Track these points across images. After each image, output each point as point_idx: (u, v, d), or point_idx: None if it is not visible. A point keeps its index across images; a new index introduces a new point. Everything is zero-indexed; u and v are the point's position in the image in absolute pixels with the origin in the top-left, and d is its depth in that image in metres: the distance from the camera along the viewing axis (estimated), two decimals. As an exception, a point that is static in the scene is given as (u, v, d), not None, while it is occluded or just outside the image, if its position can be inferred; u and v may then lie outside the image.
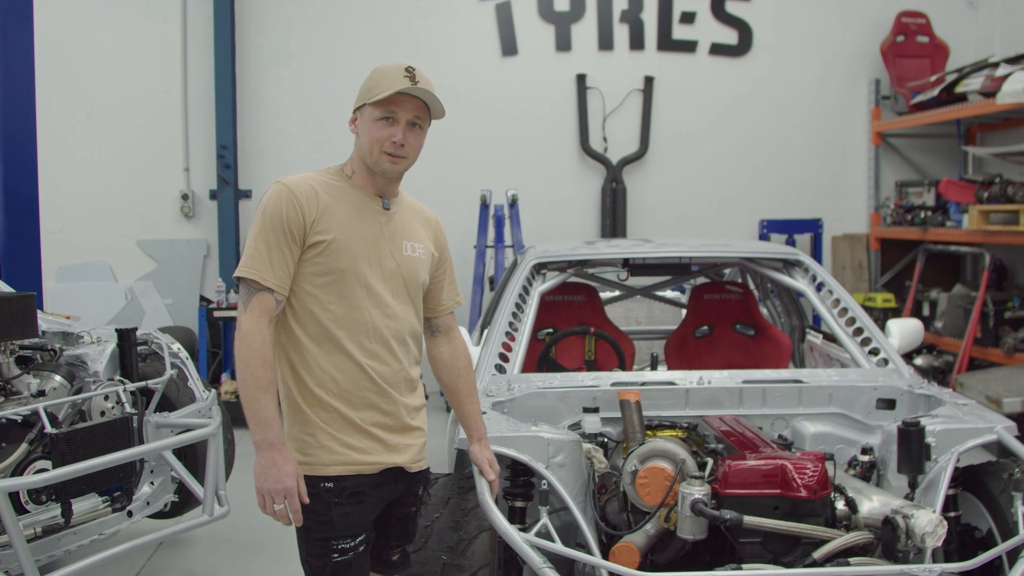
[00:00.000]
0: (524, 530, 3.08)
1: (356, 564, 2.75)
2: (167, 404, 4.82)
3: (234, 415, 5.88)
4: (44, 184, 6.78)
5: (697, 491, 3.10)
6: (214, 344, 9.23)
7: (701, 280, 6.19)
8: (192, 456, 4.81)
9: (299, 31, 9.57)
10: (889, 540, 3.07)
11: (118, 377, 4.69)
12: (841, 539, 3.07)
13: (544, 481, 3.23)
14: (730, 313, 5.62)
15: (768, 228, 9.80)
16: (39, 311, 5.14)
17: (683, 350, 5.60)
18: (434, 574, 3.15)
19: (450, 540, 3.25)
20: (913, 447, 3.40)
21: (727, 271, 6.26)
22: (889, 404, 4.08)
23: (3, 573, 3.76)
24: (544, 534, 3.06)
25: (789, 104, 9.92)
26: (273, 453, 2.57)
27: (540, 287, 4.77)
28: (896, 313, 9.12)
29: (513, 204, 9.04)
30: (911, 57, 9.58)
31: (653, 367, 5.54)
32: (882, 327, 4.93)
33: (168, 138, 9.55)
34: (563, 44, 9.77)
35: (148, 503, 4.62)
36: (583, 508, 3.40)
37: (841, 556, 3.06)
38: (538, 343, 5.19)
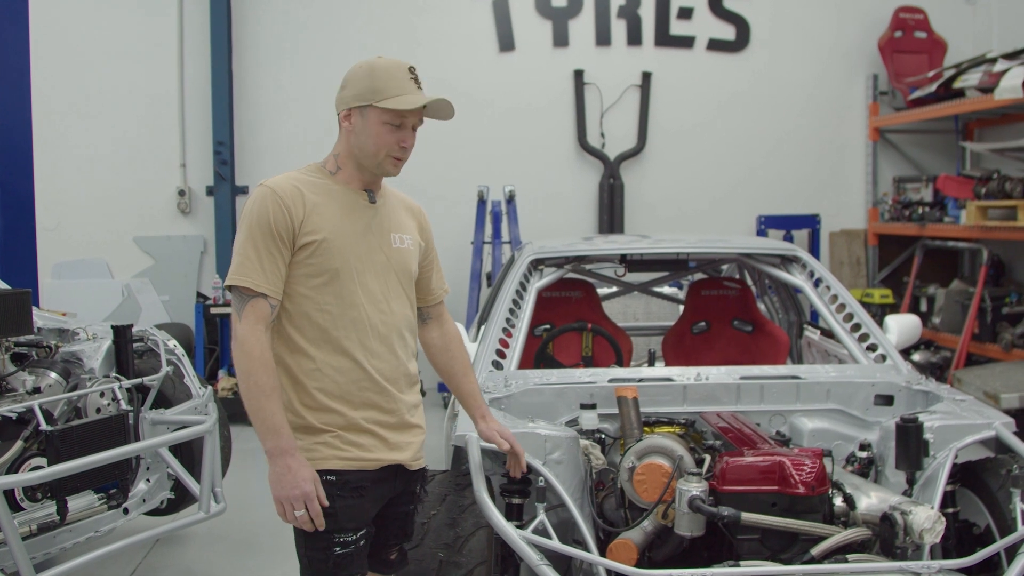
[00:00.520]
0: (521, 527, 3.07)
1: (357, 558, 2.73)
2: (163, 401, 4.82)
3: (231, 412, 5.89)
4: (40, 181, 6.77)
5: (695, 488, 3.09)
6: (211, 341, 9.21)
7: (699, 276, 6.18)
8: (188, 453, 4.80)
9: (296, 26, 9.56)
10: (887, 536, 3.06)
11: (114, 374, 4.68)
12: (839, 536, 3.06)
13: (541, 478, 3.22)
14: (728, 309, 5.60)
15: (766, 224, 9.79)
16: (34, 308, 5.13)
17: (681, 346, 5.59)
18: (431, 571, 3.14)
19: (447, 537, 3.24)
20: (911, 443, 3.39)
21: (725, 267, 6.25)
22: (887, 400, 4.07)
23: None
24: (541, 531, 3.05)
25: (787, 100, 9.91)
26: (287, 459, 2.54)
27: (537, 283, 4.75)
28: (894, 309, 9.12)
29: (510, 200, 9.03)
30: (909, 53, 9.57)
31: (651, 363, 5.53)
32: (880, 323, 4.92)
33: (164, 134, 9.53)
34: (560, 40, 9.75)
35: (144, 500, 4.62)
36: (580, 505, 3.39)
37: (839, 553, 3.05)
38: (535, 339, 5.18)
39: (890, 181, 9.81)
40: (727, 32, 9.86)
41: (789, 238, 9.67)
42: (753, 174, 9.93)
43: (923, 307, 9.10)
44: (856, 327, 4.53)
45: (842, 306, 4.63)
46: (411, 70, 2.71)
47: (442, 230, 9.19)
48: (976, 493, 3.55)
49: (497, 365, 4.25)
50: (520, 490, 3.41)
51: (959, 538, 3.56)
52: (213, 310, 8.73)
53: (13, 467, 3.96)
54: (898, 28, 9.63)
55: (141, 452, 4.43)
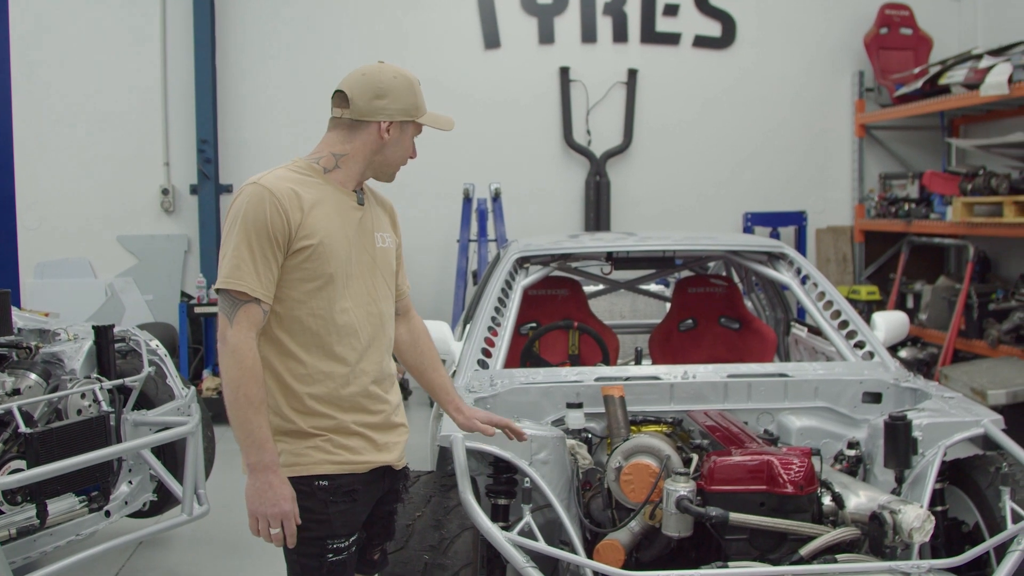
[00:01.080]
0: (507, 528, 3.04)
1: (349, 565, 2.70)
2: (146, 402, 4.76)
3: (215, 412, 5.82)
4: (22, 180, 6.70)
5: (682, 488, 3.06)
6: (195, 340, 9.15)
7: (685, 273, 6.16)
8: (171, 454, 4.75)
9: (281, 23, 9.50)
10: (876, 536, 3.04)
11: (95, 375, 4.62)
12: (828, 535, 3.04)
13: (527, 479, 3.19)
14: (714, 306, 5.58)
15: (752, 221, 9.78)
16: (15, 308, 5.07)
17: (667, 344, 5.56)
18: (416, 573, 3.10)
19: (432, 539, 3.20)
20: (900, 441, 3.37)
21: (711, 264, 6.23)
22: (875, 398, 4.05)
23: (-23, 575, 3.70)
24: (527, 533, 3.02)
25: (773, 96, 9.91)
26: (269, 475, 2.49)
27: (523, 281, 4.72)
28: (880, 305, 9.13)
29: (496, 198, 9.00)
30: (895, 49, 9.58)
31: (637, 361, 5.50)
32: (867, 320, 4.90)
33: (148, 132, 9.46)
34: (546, 37, 9.72)
35: (126, 502, 4.56)
36: (567, 505, 3.36)
37: (828, 553, 3.03)
38: (521, 338, 5.15)
39: (876, 178, 9.82)
40: (713, 29, 9.85)
41: (776, 235, 9.67)
42: (739, 171, 9.93)
43: (909, 304, 9.10)
44: (844, 324, 4.51)
45: (829, 303, 4.61)
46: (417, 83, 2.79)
47: (427, 228, 9.30)
48: (965, 491, 3.54)
49: (483, 364, 4.21)
50: (506, 491, 3.39)
51: (948, 536, 3.54)
52: (197, 309, 8.66)
53: (-8, 470, 3.91)
54: (884, 24, 9.63)
55: (123, 454, 4.38)
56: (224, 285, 2.51)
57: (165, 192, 9.48)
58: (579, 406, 3.88)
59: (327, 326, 2.62)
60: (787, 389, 4.06)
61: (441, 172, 9.29)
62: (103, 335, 4.72)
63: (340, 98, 2.70)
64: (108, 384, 4.49)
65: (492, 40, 9.68)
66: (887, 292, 9.37)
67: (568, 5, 9.70)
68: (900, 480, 3.43)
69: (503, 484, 3.39)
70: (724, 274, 6.05)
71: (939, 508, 3.49)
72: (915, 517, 2.96)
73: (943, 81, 8.20)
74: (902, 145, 10.02)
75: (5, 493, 3.90)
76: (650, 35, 9.80)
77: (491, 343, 4.33)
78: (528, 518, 3.06)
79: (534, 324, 5.32)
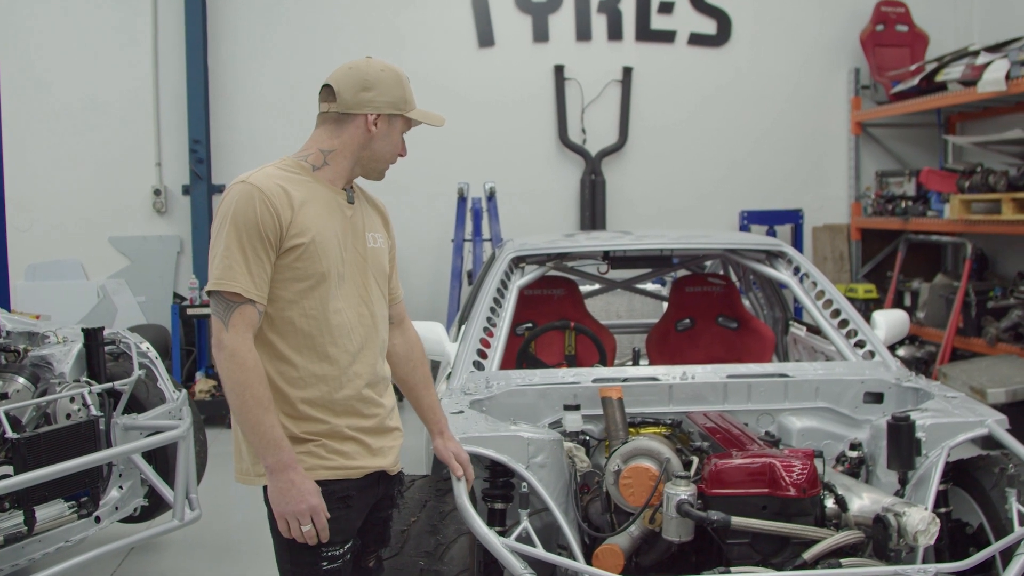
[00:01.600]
0: (504, 533, 2.98)
1: (344, 573, 2.64)
2: (136, 405, 4.69)
3: (208, 415, 5.78)
4: (12, 181, 6.64)
5: (683, 491, 3.00)
6: (188, 342, 9.08)
7: (682, 272, 6.10)
8: (163, 458, 4.67)
9: (274, 22, 9.44)
10: (881, 539, 2.98)
11: (85, 378, 4.56)
12: (831, 539, 2.99)
13: (524, 483, 3.13)
14: (712, 306, 5.52)
15: (748, 219, 9.73)
16: (4, 311, 5.01)
17: (665, 344, 5.50)
18: (411, 580, 3.05)
19: (428, 545, 3.15)
20: (903, 442, 3.31)
21: (708, 263, 6.18)
22: (877, 398, 4.00)
23: (-37, 584, 3.64)
24: (525, 538, 2.96)
25: (769, 94, 9.86)
26: (290, 474, 2.44)
27: (519, 281, 4.66)
28: (878, 303, 9.08)
29: (491, 197, 8.95)
30: (891, 46, 9.54)
31: (635, 362, 5.44)
32: (866, 318, 4.85)
33: (139, 132, 9.39)
34: (540, 35, 9.67)
35: (117, 508, 4.50)
36: (565, 509, 3.29)
37: (832, 557, 2.97)
38: (517, 338, 5.09)
39: (873, 175, 9.77)
40: (708, 26, 9.79)
41: (772, 233, 9.61)
42: (735, 169, 9.88)
43: (907, 302, 9.06)
44: (844, 323, 4.45)
45: (829, 302, 4.55)
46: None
47: (422, 228, 9.24)
48: (969, 492, 3.48)
49: (478, 366, 4.15)
50: (503, 495, 3.32)
51: (951, 538, 3.48)
52: (190, 311, 8.59)
53: (-22, 476, 3.84)
54: (880, 22, 9.58)
55: (112, 459, 4.31)
56: (217, 287, 2.44)
57: (157, 193, 9.41)
58: (576, 408, 3.80)
59: (320, 327, 2.56)
60: (787, 390, 4.00)
61: (435, 171, 9.24)
62: (93, 338, 4.65)
63: (327, 92, 2.65)
64: (98, 388, 4.43)
65: (486, 38, 9.62)
66: (884, 290, 9.32)
67: (562, 3, 9.65)
68: (903, 482, 3.36)
69: (500, 488, 3.33)
70: (721, 273, 6.00)
71: (942, 509, 3.43)
72: (920, 520, 2.90)
73: (940, 78, 8.16)
74: (898, 143, 9.98)
75: (-8, 500, 3.84)
76: (645, 33, 9.74)
77: (487, 344, 4.27)
78: (526, 523, 3.00)
79: (530, 324, 5.26)
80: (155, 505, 4.79)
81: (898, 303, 9.07)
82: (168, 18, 9.28)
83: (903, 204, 8.93)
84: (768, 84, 9.85)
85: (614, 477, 3.23)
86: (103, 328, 4.75)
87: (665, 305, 6.14)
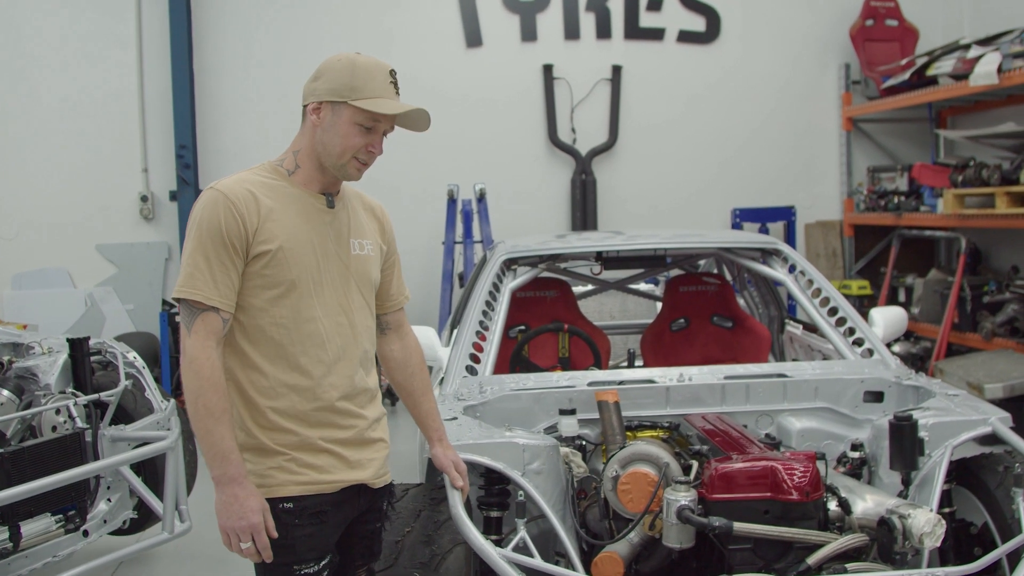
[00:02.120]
0: (500, 542, 2.92)
1: None
2: (124, 416, 4.61)
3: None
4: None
5: (683, 497, 2.94)
6: (177, 350, 8.96)
7: (675, 272, 6.04)
8: (152, 470, 4.60)
9: (260, 24, 9.34)
10: (886, 542, 2.92)
11: (71, 390, 4.48)
12: (835, 543, 2.92)
13: (521, 492, 3.06)
14: (707, 305, 5.47)
15: (741, 217, 9.68)
16: (-13, 322, 4.92)
17: (660, 344, 5.44)
18: (406, 592, 2.98)
19: (422, 555, 3.07)
20: (906, 442, 3.26)
21: (702, 262, 6.12)
22: (877, 397, 3.94)
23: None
24: (522, 548, 2.89)
25: (759, 91, 9.80)
26: (235, 488, 2.38)
27: (511, 283, 4.59)
28: (872, 299, 9.04)
29: (481, 198, 8.88)
30: (880, 41, 9.49)
31: (631, 363, 5.38)
32: (861, 314, 4.79)
33: (125, 138, 9.27)
34: (529, 34, 9.59)
35: (105, 521, 4.41)
36: (562, 516, 3.23)
37: (836, 561, 2.91)
38: (510, 341, 5.02)
39: (864, 171, 9.72)
40: (697, 23, 9.74)
41: (764, 231, 9.57)
42: (727, 167, 9.82)
43: (901, 297, 9.01)
44: (841, 321, 4.39)
45: (826, 299, 4.50)
46: (392, 73, 2.56)
47: (412, 230, 9.16)
48: (973, 491, 3.43)
49: (472, 370, 4.08)
50: (498, 502, 3.26)
51: (955, 538, 3.43)
52: (179, 318, 8.48)
53: (-38, 491, 3.75)
54: (869, 16, 9.53)
55: (100, 472, 4.23)
56: (179, 294, 2.41)
57: (144, 199, 9.30)
58: (572, 412, 3.73)
59: (290, 336, 2.49)
60: (786, 390, 3.94)
61: (424, 173, 9.18)
62: (78, 348, 4.58)
63: None
64: (84, 399, 4.35)
65: (474, 38, 9.55)
66: (878, 286, 9.28)
67: (550, 2, 9.57)
68: (907, 482, 3.31)
69: (495, 495, 3.27)
70: (715, 271, 5.94)
71: (946, 509, 3.38)
72: (926, 522, 2.85)
73: (931, 72, 8.11)
74: (890, 138, 9.93)
75: (-24, 516, 3.76)
76: (634, 31, 9.68)
77: (480, 348, 4.20)
78: (523, 533, 2.94)
79: (523, 327, 5.19)
80: (144, 517, 4.71)
81: (892, 299, 9.03)
82: (153, 22, 9.17)
83: (896, 199, 8.89)
84: (758, 81, 9.79)
85: (612, 483, 3.16)
86: (88, 338, 4.68)
87: (659, 305, 6.08)
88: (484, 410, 3.77)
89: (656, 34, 9.69)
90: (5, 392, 4.27)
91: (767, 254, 4.83)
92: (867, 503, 3.06)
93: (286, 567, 2.49)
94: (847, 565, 2.89)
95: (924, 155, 9.48)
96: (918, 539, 2.84)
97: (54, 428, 4.20)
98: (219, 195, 2.43)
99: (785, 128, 9.87)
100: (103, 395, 4.42)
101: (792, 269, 4.69)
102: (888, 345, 4.52)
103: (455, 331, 4.50)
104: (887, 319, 4.75)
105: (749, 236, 5.40)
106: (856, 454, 3.57)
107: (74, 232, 9.23)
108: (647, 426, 3.79)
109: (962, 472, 3.47)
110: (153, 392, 4.79)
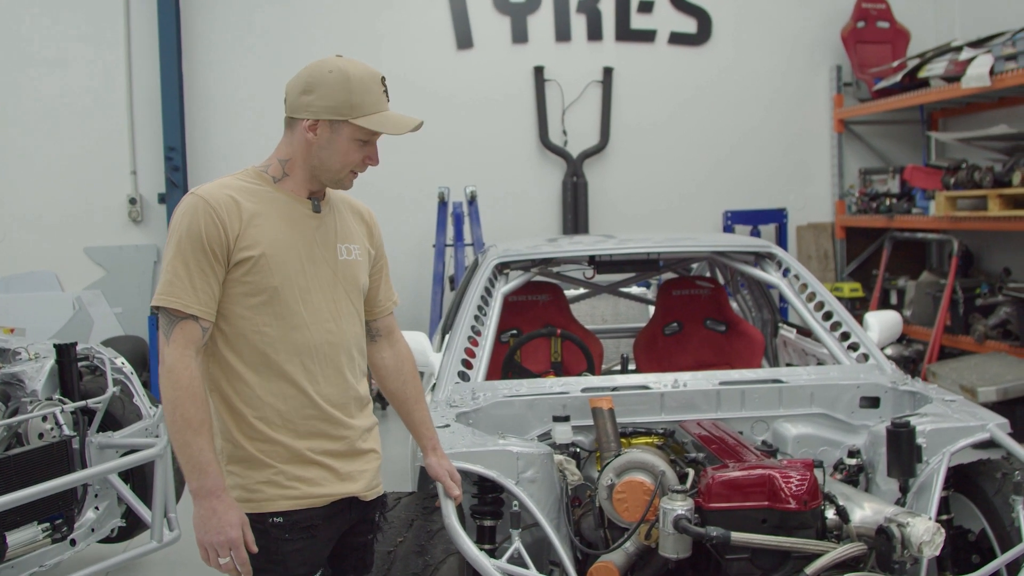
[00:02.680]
0: (494, 551, 2.88)
1: None
2: (112, 422, 4.56)
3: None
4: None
5: (680, 506, 2.89)
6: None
7: (668, 275, 6.01)
8: (140, 477, 4.54)
9: (249, 25, 9.29)
10: (884, 551, 2.88)
11: (58, 396, 4.43)
12: (834, 552, 2.88)
13: (515, 502, 3.02)
14: (700, 309, 5.43)
15: (732, 219, 9.66)
16: (-28, 327, 4.87)
17: (653, 349, 5.40)
18: (398, 603, 2.94)
19: (415, 566, 3.03)
20: (904, 449, 3.22)
21: (695, 265, 6.08)
22: (873, 402, 3.91)
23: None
24: (516, 559, 2.85)
25: (750, 93, 9.79)
26: (213, 501, 2.31)
27: (503, 288, 4.54)
28: (864, 302, 9.03)
29: (472, 201, 8.84)
30: (872, 43, 9.48)
31: (624, 368, 5.34)
32: (856, 318, 4.77)
33: (114, 140, 9.22)
34: (519, 36, 9.56)
35: (93, 529, 4.37)
36: (557, 525, 3.19)
37: (835, 570, 2.87)
38: (502, 346, 4.97)
39: (856, 173, 9.71)
40: (688, 25, 9.72)
41: (756, 233, 9.55)
42: (718, 169, 9.80)
43: (893, 300, 9.01)
44: (836, 325, 4.36)
45: (820, 303, 4.46)
46: (382, 81, 2.50)
47: (402, 233, 9.11)
48: (971, 498, 3.40)
49: (464, 376, 4.03)
50: (492, 511, 3.21)
51: (953, 545, 3.40)
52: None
53: (-53, 501, 3.70)
54: (861, 18, 9.52)
55: (87, 480, 4.18)
56: (158, 302, 2.35)
57: (133, 201, 9.25)
58: (566, 419, 3.68)
59: (275, 344, 2.43)
60: (782, 396, 3.90)
61: (414, 175, 9.14)
62: (65, 354, 4.53)
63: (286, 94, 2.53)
64: (71, 406, 4.30)
65: (465, 40, 9.52)
66: (870, 288, 9.27)
67: (541, 4, 9.54)
68: (904, 489, 3.28)
69: (489, 504, 3.22)
70: (708, 275, 5.91)
71: (944, 517, 3.34)
72: (925, 530, 2.81)
73: (922, 74, 8.11)
74: (881, 140, 9.93)
75: (-39, 525, 3.71)
76: (625, 32, 9.66)
77: (472, 354, 4.15)
78: (517, 544, 2.90)
79: (515, 331, 5.15)
80: (133, 525, 4.66)
81: (884, 301, 9.02)
82: (141, 24, 9.12)
83: (887, 202, 8.87)
84: (750, 83, 9.78)
85: (607, 491, 3.13)
86: (76, 344, 4.62)
87: (651, 309, 6.05)
88: (477, 417, 3.73)
89: (647, 36, 9.67)
90: (-9, 399, 4.22)
91: (760, 257, 4.79)
92: (865, 511, 3.02)
93: None
94: (846, 575, 2.85)
95: (916, 157, 9.47)
96: (917, 548, 2.80)
97: (41, 436, 4.15)
98: (200, 201, 2.37)
99: (777, 130, 9.85)
100: (90, 402, 4.38)
101: (786, 272, 4.65)
102: (881, 349, 4.49)
103: (447, 336, 4.45)
104: (882, 323, 4.71)
105: (742, 239, 5.36)
106: (853, 461, 3.54)
107: (62, 235, 9.17)
108: (642, 433, 3.75)
109: (960, 479, 3.43)
110: (141, 398, 4.74)
